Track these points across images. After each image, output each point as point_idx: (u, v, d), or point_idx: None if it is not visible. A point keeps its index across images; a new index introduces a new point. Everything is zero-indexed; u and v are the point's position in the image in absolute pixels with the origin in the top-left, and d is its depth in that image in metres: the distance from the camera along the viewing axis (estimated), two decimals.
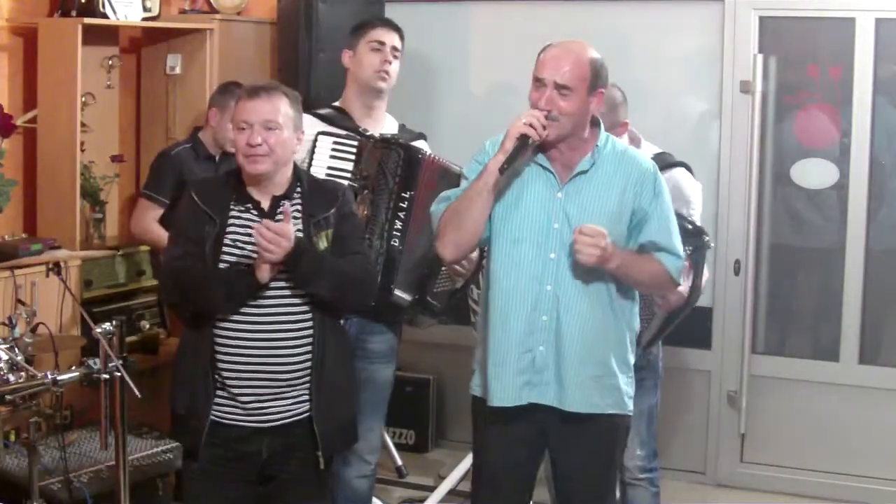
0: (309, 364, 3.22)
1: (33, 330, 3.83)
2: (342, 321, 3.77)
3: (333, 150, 3.76)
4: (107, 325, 3.34)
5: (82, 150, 4.79)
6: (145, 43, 5.33)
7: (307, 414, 3.23)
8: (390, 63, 3.88)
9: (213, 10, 5.37)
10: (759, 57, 4.96)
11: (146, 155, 5.15)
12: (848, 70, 4.91)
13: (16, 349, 3.49)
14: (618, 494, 4.24)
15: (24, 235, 4.73)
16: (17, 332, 3.79)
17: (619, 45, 5.06)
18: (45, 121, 4.77)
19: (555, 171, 3.18)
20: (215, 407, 3.21)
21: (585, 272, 3.13)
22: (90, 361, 3.34)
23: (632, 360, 3.28)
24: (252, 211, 3.23)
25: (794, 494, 5.05)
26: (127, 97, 5.31)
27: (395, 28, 3.98)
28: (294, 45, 5.00)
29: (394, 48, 3.90)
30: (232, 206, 3.22)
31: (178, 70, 5.19)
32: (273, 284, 3.18)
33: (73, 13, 4.71)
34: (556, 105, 3.09)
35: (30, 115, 4.81)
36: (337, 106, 3.97)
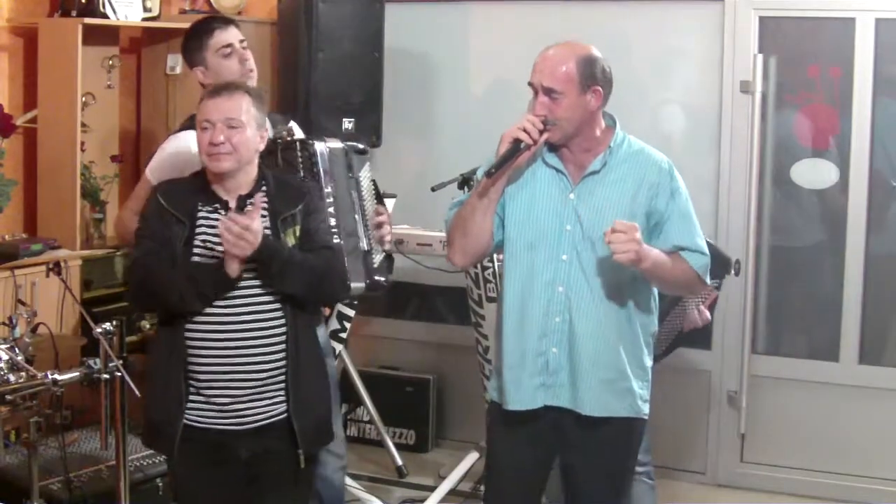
0: (283, 363, 3.19)
1: (33, 330, 3.83)
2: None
3: None
4: (107, 325, 3.35)
5: (82, 150, 4.80)
6: (145, 43, 5.34)
7: (285, 414, 3.20)
8: (248, 59, 3.72)
9: (213, 10, 5.37)
10: (759, 57, 4.96)
11: (146, 155, 5.13)
12: (848, 70, 4.91)
13: (16, 349, 3.49)
14: None
15: (24, 235, 4.73)
16: (18, 332, 3.80)
17: (619, 45, 5.06)
18: (46, 121, 4.78)
19: (567, 172, 3.16)
20: (191, 412, 3.17)
21: (598, 274, 3.12)
22: (90, 361, 3.35)
23: (648, 362, 3.25)
24: (220, 211, 3.18)
25: (794, 494, 5.05)
26: (127, 97, 5.31)
27: (229, 21, 3.81)
28: (294, 45, 5.01)
29: (241, 42, 3.72)
30: (199, 207, 3.19)
31: (178, 70, 5.19)
32: (243, 284, 3.15)
33: (74, 13, 4.72)
34: (549, 109, 3.08)
35: (30, 115, 4.82)
36: None
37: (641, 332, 3.22)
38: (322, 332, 3.89)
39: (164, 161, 3.62)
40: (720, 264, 3.83)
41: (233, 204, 3.20)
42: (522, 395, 3.19)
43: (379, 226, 3.75)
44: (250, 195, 3.21)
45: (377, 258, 3.75)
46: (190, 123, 4.16)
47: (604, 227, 3.05)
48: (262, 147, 3.25)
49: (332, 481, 3.95)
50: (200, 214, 3.18)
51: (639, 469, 3.91)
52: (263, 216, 3.16)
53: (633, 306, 3.19)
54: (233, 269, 3.09)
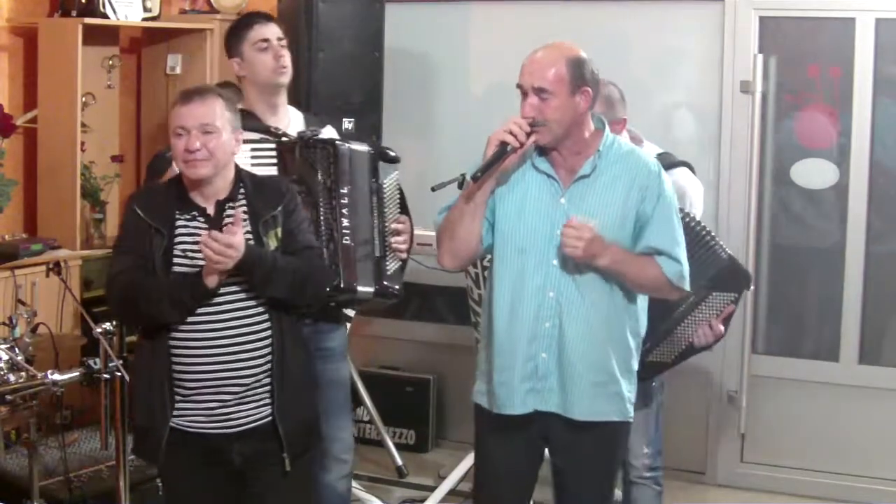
0: (269, 366, 3.17)
1: (33, 330, 3.84)
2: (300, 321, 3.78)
3: (253, 157, 3.62)
4: (107, 325, 3.35)
5: (82, 150, 4.80)
6: (145, 43, 5.35)
7: (270, 417, 3.19)
8: (283, 55, 3.76)
9: (213, 10, 5.38)
10: (759, 57, 4.96)
11: (146, 155, 5.16)
12: (848, 70, 4.91)
13: (16, 349, 3.50)
14: (618, 494, 4.24)
15: (24, 235, 4.74)
16: (18, 332, 3.81)
17: (619, 45, 5.06)
18: (46, 121, 4.78)
19: (558, 176, 3.15)
20: (179, 417, 3.15)
21: (587, 278, 3.11)
22: (90, 361, 3.35)
23: (635, 366, 3.25)
24: (198, 218, 3.15)
25: (794, 494, 5.05)
26: (127, 97, 5.32)
27: (271, 18, 3.87)
28: (294, 45, 4.98)
29: (279, 39, 3.78)
30: (177, 216, 3.14)
31: (178, 70, 5.20)
32: (228, 289, 3.12)
33: (74, 13, 4.73)
34: (538, 110, 3.06)
35: (30, 115, 4.82)
36: (241, 108, 3.77)
37: (630, 335, 3.22)
38: (341, 335, 3.90)
39: None
40: (740, 279, 3.77)
41: (211, 210, 3.16)
42: (513, 399, 3.19)
43: (396, 234, 3.76)
44: (229, 198, 3.19)
45: (392, 265, 3.78)
46: None
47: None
48: (237, 150, 3.23)
49: (334, 488, 3.95)
50: (179, 223, 3.14)
51: (647, 474, 3.89)
52: (243, 220, 3.14)
53: (623, 310, 3.18)
54: (212, 280, 3.05)
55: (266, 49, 3.74)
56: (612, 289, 3.14)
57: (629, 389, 3.22)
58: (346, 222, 3.63)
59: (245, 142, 3.64)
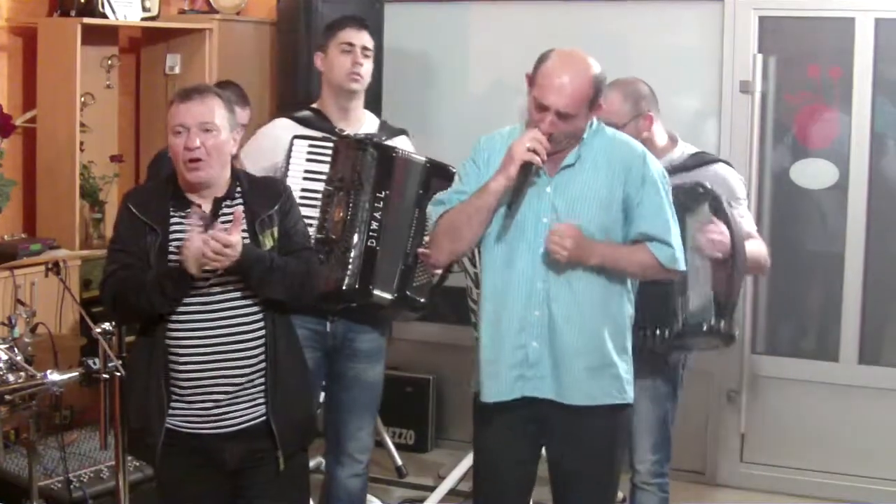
0: (263, 365, 3.18)
1: (33, 330, 3.83)
2: (326, 322, 3.79)
3: (310, 153, 3.72)
4: (106, 325, 3.34)
5: (82, 150, 4.80)
6: (145, 43, 5.34)
7: (264, 417, 3.19)
8: (361, 64, 3.83)
9: (212, 10, 5.38)
10: (759, 57, 4.96)
11: (146, 155, 5.15)
12: (848, 70, 4.91)
13: (15, 349, 3.49)
14: (620, 496, 4.22)
15: (23, 235, 4.74)
16: (17, 332, 3.79)
17: (618, 45, 5.06)
18: (45, 121, 4.78)
19: (544, 165, 3.16)
20: (174, 417, 3.16)
21: (576, 265, 3.13)
22: (90, 361, 3.34)
23: (629, 345, 3.26)
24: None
25: (794, 494, 5.05)
26: (126, 97, 5.31)
27: (365, 26, 3.92)
28: (294, 45, 5.00)
29: (364, 48, 3.85)
30: (172, 213, 3.15)
31: (177, 70, 5.20)
32: (222, 288, 3.13)
33: (73, 13, 4.73)
34: (557, 128, 3.08)
35: (29, 115, 4.82)
36: (314, 108, 3.93)
37: (623, 316, 3.24)
38: (375, 338, 3.93)
39: (251, 142, 3.81)
40: (694, 194, 3.53)
41: (207, 207, 3.16)
42: (500, 386, 3.20)
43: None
44: (226, 197, 3.19)
45: (421, 278, 3.82)
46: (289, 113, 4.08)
47: (580, 218, 3.11)
48: (235, 150, 3.24)
49: (345, 484, 3.96)
50: (173, 220, 3.15)
51: (652, 480, 3.86)
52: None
53: (614, 292, 3.20)
54: (192, 267, 3.04)
55: (348, 52, 3.83)
56: (600, 272, 3.15)
57: (626, 370, 3.24)
58: (375, 225, 3.68)
59: (304, 138, 3.72)
